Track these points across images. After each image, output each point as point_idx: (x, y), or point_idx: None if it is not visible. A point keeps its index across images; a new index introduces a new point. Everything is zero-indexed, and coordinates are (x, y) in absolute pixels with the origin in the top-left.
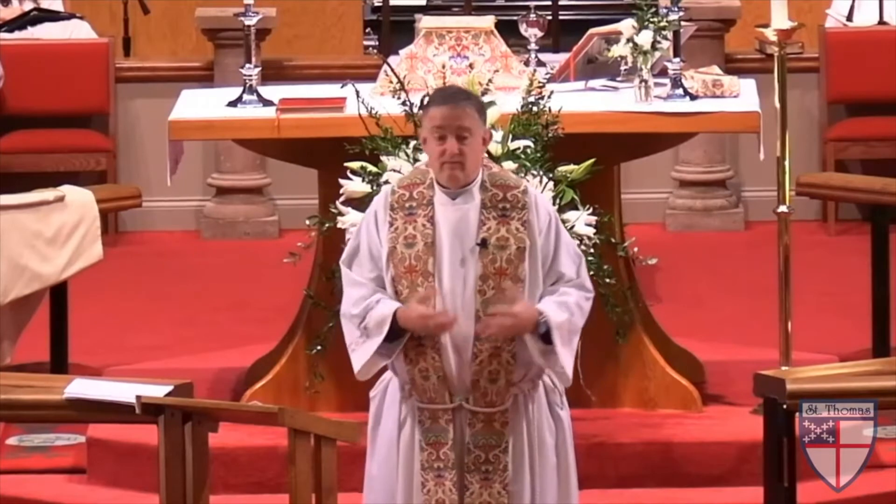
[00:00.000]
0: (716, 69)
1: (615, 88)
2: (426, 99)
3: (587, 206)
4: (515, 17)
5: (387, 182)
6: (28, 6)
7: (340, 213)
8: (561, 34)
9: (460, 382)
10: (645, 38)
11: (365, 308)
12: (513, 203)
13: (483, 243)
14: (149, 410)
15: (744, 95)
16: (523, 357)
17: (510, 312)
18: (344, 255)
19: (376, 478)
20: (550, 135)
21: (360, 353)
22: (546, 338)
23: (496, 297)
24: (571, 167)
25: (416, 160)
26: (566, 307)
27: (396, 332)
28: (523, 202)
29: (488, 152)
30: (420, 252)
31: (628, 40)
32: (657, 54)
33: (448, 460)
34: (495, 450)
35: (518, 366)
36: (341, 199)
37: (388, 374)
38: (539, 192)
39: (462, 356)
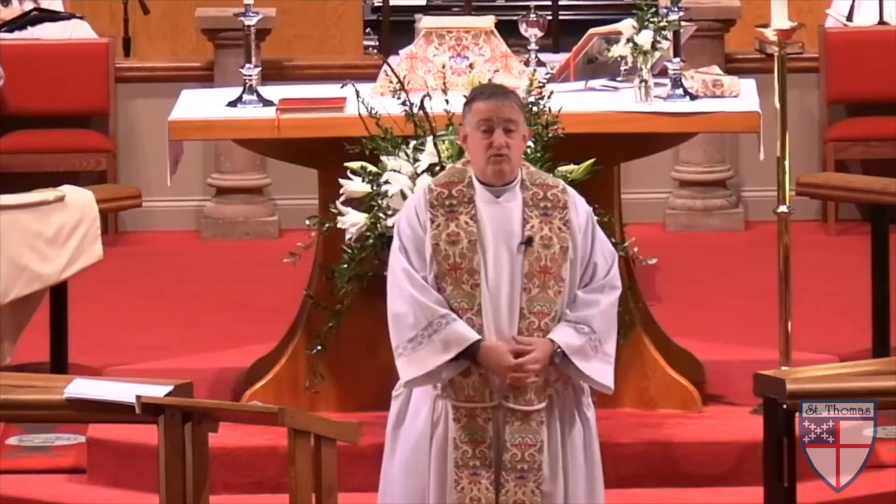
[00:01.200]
0: (716, 69)
1: (615, 88)
2: (465, 97)
3: None
4: (515, 17)
5: (387, 182)
6: (28, 6)
7: (340, 213)
8: (561, 34)
9: (501, 381)
10: (645, 38)
11: (433, 315)
12: (554, 202)
13: (528, 241)
14: (149, 410)
15: (744, 95)
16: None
17: (533, 358)
18: (396, 245)
19: (397, 477)
20: (550, 135)
21: (415, 363)
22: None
23: (540, 294)
24: (571, 167)
25: (416, 160)
26: (585, 325)
27: (457, 357)
28: (564, 201)
29: None
30: (465, 249)
31: (628, 40)
32: (657, 54)
33: (486, 458)
34: (531, 448)
35: (555, 365)
36: (341, 199)
37: None
38: (575, 191)
39: None
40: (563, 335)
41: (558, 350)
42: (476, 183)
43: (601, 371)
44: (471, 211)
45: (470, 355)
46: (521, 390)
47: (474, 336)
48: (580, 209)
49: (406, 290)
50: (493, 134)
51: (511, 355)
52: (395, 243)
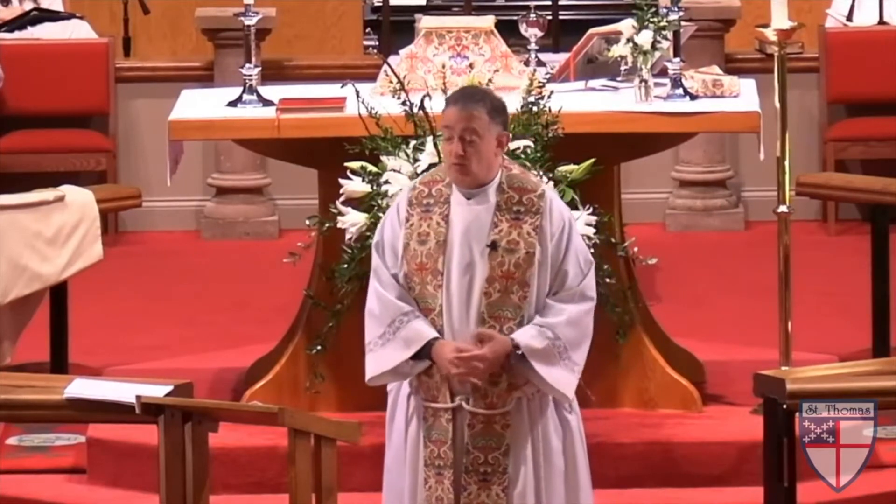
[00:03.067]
0: (716, 69)
1: (615, 88)
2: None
3: (587, 206)
4: (515, 17)
5: (387, 182)
6: (28, 6)
7: (340, 213)
8: (561, 34)
9: (461, 383)
10: (645, 38)
11: (396, 312)
12: (527, 207)
13: (493, 245)
14: (149, 410)
15: (744, 95)
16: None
17: (478, 356)
18: (374, 242)
19: (391, 470)
20: (550, 135)
21: (378, 359)
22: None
23: (502, 299)
24: (571, 167)
25: (416, 160)
26: (550, 330)
27: (419, 354)
28: (538, 206)
29: None
30: (431, 250)
31: (628, 40)
32: (657, 54)
33: (447, 459)
34: (495, 452)
35: (519, 370)
36: (341, 199)
37: None
38: (557, 196)
39: None
40: (525, 336)
41: (518, 351)
42: (455, 184)
43: (562, 378)
44: (444, 211)
45: (428, 353)
46: (481, 393)
47: (432, 333)
48: (556, 216)
49: (375, 287)
50: (452, 143)
51: (455, 350)
52: (376, 238)
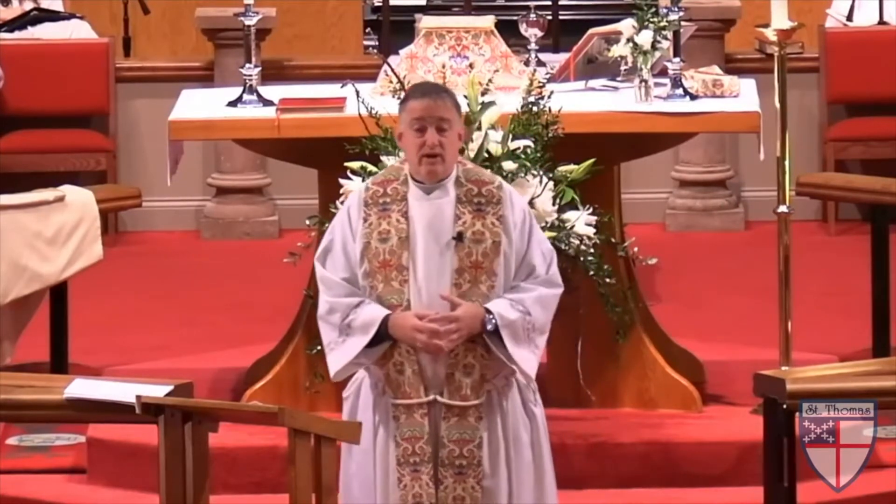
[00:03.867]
0: (716, 69)
1: (615, 88)
2: (402, 95)
3: (587, 206)
4: (515, 17)
5: None
6: (28, 6)
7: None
8: (561, 34)
9: (435, 376)
10: (645, 38)
11: (347, 307)
12: (488, 198)
13: (459, 237)
14: (149, 410)
15: (744, 95)
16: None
17: (450, 316)
18: (318, 252)
19: (355, 476)
20: (550, 135)
21: (340, 353)
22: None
23: (471, 290)
24: (571, 167)
25: None
26: (521, 305)
27: (378, 337)
28: (498, 197)
29: (488, 152)
30: (394, 246)
31: (628, 40)
32: (657, 54)
33: (424, 454)
34: (469, 444)
35: (493, 361)
36: (341, 199)
37: (361, 374)
38: (513, 189)
39: None
40: (499, 306)
41: (491, 319)
42: (410, 180)
43: (526, 357)
44: (402, 208)
45: (387, 335)
46: (455, 385)
47: (384, 312)
48: (516, 206)
49: (323, 295)
50: (426, 133)
51: (415, 317)
52: (321, 248)
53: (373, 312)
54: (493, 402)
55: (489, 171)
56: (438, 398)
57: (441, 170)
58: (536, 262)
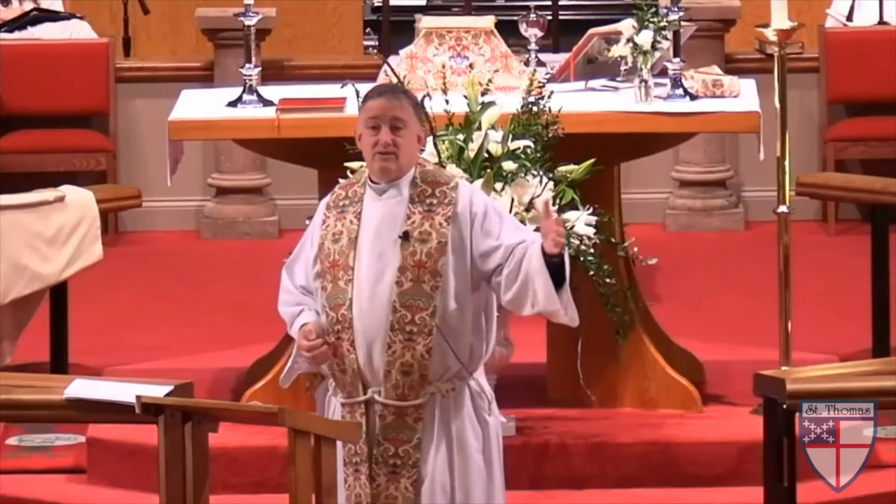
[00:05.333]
0: (716, 69)
1: (615, 88)
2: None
3: (587, 206)
4: (515, 17)
5: None
6: (28, 6)
7: None
8: (561, 34)
9: (373, 375)
10: (645, 38)
11: (292, 317)
12: (440, 198)
13: (405, 236)
14: (149, 410)
15: (744, 95)
16: (440, 355)
17: (560, 219)
18: (289, 259)
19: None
20: (550, 135)
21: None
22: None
23: (413, 288)
24: (571, 167)
25: None
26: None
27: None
28: (450, 198)
29: (488, 152)
30: (343, 247)
31: (628, 40)
32: (657, 54)
33: (363, 454)
34: (405, 445)
35: (433, 362)
36: None
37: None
38: (475, 187)
39: (376, 348)
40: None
41: (566, 247)
42: (368, 182)
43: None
44: (357, 209)
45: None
46: (392, 384)
47: (304, 320)
48: (475, 203)
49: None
50: (380, 132)
51: (304, 338)
52: (291, 256)
53: (301, 320)
54: (434, 405)
55: (460, 171)
56: (376, 397)
57: (394, 168)
58: (517, 237)
